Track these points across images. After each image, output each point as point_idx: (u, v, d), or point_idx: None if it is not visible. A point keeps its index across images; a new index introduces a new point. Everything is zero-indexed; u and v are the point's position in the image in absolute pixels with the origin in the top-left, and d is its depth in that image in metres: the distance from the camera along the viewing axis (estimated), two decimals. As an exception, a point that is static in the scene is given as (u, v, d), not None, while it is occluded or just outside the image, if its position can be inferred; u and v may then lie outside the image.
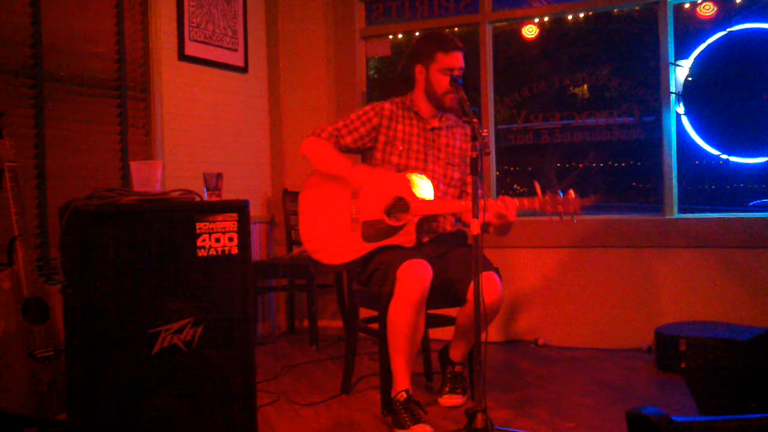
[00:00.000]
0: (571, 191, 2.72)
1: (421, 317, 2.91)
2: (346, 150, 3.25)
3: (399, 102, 3.29)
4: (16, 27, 3.47)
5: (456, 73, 3.13)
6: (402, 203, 3.08)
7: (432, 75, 3.17)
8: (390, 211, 3.10)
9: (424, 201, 3.04)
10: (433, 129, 3.25)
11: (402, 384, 2.90)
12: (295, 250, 3.93)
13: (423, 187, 3.07)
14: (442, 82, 3.14)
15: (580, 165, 4.83)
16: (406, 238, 3.04)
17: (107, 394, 2.24)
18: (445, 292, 3.07)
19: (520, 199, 2.83)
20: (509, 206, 2.80)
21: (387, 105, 3.27)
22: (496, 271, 3.03)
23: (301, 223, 3.25)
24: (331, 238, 3.16)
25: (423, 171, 3.17)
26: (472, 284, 2.84)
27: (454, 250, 3.16)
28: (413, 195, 3.06)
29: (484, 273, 2.61)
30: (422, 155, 3.21)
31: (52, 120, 3.58)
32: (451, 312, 3.21)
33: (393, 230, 3.07)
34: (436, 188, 3.16)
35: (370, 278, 3.09)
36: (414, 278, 2.85)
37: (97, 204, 2.28)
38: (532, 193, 2.80)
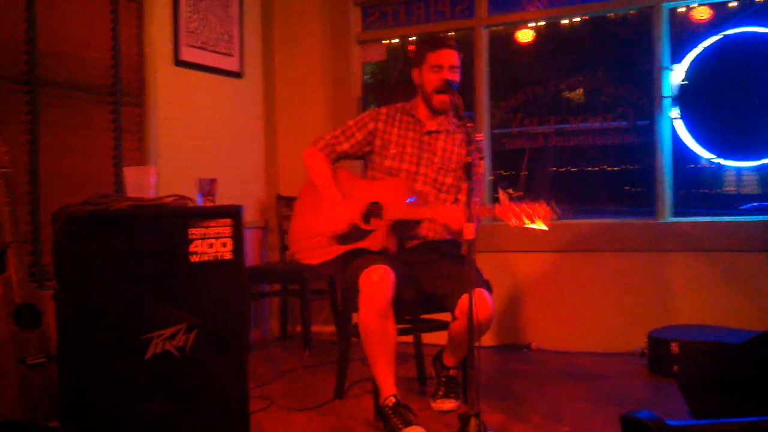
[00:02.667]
0: (543, 203, 2.65)
1: (389, 322, 2.91)
2: (344, 156, 3.30)
3: (400, 106, 3.32)
4: (11, 32, 3.47)
5: (447, 74, 3.13)
6: (377, 208, 3.11)
7: (424, 75, 3.19)
8: (365, 215, 3.13)
9: (395, 206, 3.05)
10: (429, 132, 3.25)
11: (387, 390, 2.91)
12: (288, 253, 3.99)
13: (401, 193, 3.08)
14: (431, 81, 3.16)
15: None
16: (373, 242, 3.05)
17: (99, 400, 2.23)
18: (431, 303, 3.10)
19: (484, 209, 2.82)
20: (454, 217, 2.83)
21: (384, 109, 3.32)
22: (487, 284, 3.03)
23: (291, 226, 3.33)
24: (313, 240, 3.20)
25: (415, 175, 3.19)
26: (460, 302, 2.86)
27: (443, 261, 3.15)
28: (388, 200, 3.07)
29: (474, 290, 2.60)
30: (415, 159, 3.22)
31: (46, 125, 3.58)
32: (444, 317, 3.21)
33: (363, 234, 3.09)
34: (427, 193, 3.17)
35: (348, 286, 3.12)
36: (375, 286, 2.86)
37: (90, 210, 2.28)
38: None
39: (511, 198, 2.71)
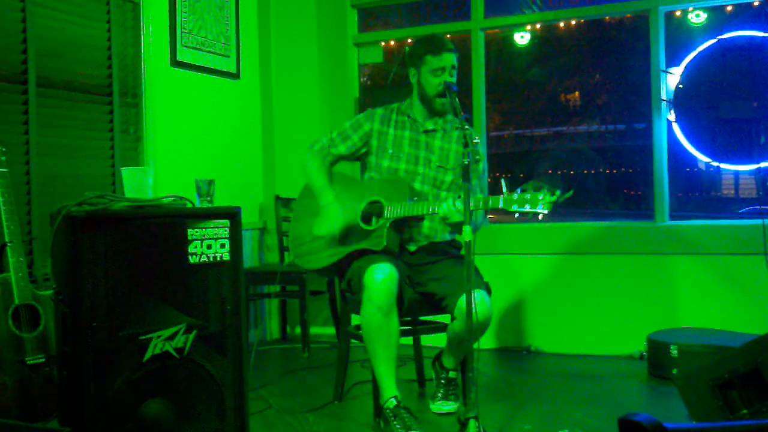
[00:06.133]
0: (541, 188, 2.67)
1: (392, 320, 2.90)
2: (341, 158, 3.30)
3: (395, 107, 3.30)
4: (6, 32, 3.45)
5: (447, 78, 3.12)
6: (377, 207, 3.09)
7: (423, 77, 3.17)
8: (365, 215, 3.12)
9: (396, 203, 3.04)
10: (426, 131, 3.25)
11: (389, 391, 2.89)
12: (288, 258, 3.95)
13: (400, 191, 3.07)
14: (432, 84, 3.14)
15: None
16: (376, 241, 3.04)
17: (98, 401, 2.22)
18: (430, 304, 3.08)
19: (484, 199, 2.82)
20: (451, 210, 2.80)
21: (379, 110, 3.30)
22: (486, 286, 3.03)
23: (291, 230, 3.32)
24: (314, 244, 3.18)
25: (413, 174, 3.18)
26: (458, 302, 2.86)
27: (444, 261, 3.15)
28: (388, 198, 3.06)
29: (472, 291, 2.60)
30: (413, 158, 3.21)
31: (41, 125, 3.56)
32: (443, 319, 3.20)
33: (365, 234, 3.08)
34: (426, 193, 3.16)
35: (349, 286, 3.11)
36: (379, 283, 2.85)
37: (87, 210, 2.27)
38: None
39: (512, 189, 2.71)
